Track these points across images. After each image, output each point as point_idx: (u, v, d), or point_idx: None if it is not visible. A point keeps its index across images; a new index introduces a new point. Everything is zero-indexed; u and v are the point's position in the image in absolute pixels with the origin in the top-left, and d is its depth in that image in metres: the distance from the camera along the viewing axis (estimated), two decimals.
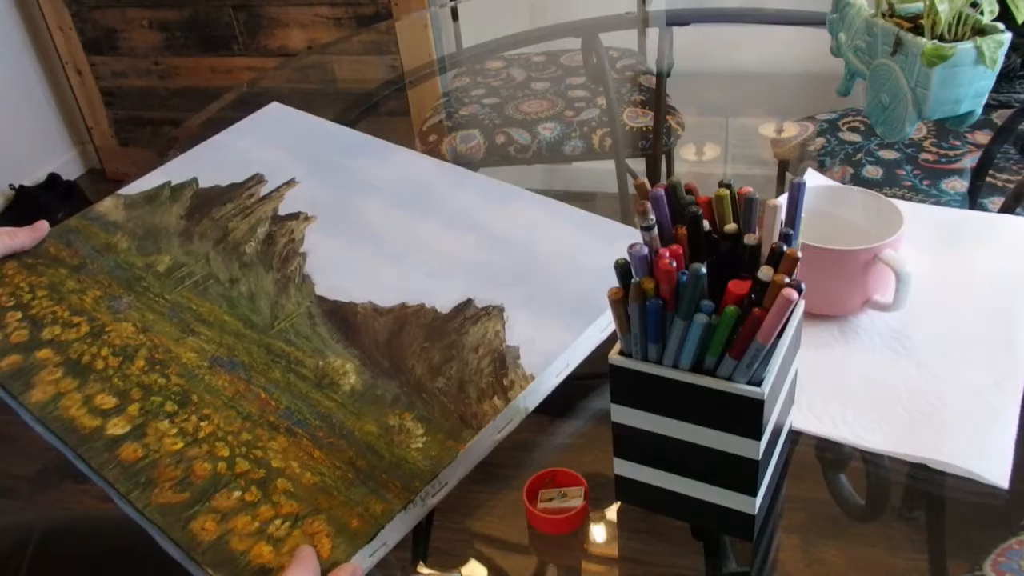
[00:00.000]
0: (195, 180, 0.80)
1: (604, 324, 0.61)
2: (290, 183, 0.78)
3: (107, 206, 0.79)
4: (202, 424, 0.57)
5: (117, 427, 0.57)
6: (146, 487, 0.53)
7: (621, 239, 0.67)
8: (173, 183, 0.80)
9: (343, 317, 0.63)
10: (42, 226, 0.76)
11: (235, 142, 0.85)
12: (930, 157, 0.99)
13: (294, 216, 0.74)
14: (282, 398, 0.58)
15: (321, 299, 0.65)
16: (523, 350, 0.59)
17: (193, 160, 0.83)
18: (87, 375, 0.61)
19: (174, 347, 0.63)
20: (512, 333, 0.60)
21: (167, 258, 0.71)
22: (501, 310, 0.62)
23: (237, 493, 0.52)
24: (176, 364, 0.61)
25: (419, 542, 0.58)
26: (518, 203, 0.72)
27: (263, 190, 0.77)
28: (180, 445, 0.56)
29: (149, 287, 0.68)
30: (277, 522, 0.50)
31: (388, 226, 0.71)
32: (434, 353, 0.59)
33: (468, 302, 0.63)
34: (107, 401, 0.59)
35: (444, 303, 0.63)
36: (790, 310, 0.45)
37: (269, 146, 0.84)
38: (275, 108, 0.90)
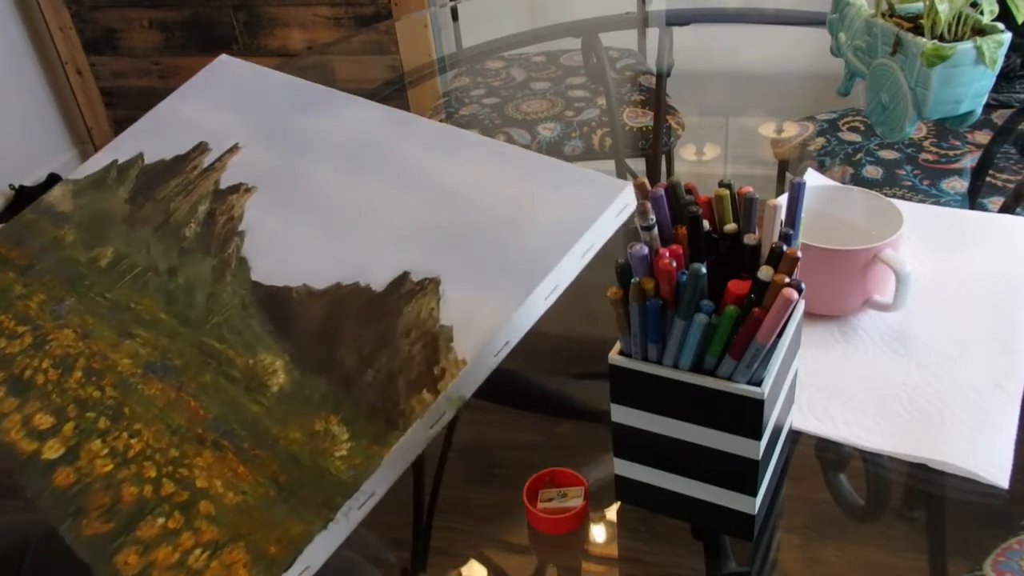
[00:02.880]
0: (140, 156, 0.77)
1: (548, 290, 0.57)
2: (233, 150, 0.74)
3: (56, 195, 0.76)
4: (132, 441, 0.56)
5: (52, 450, 0.57)
6: (76, 517, 0.53)
7: (570, 184, 0.61)
8: (120, 162, 0.77)
9: (277, 305, 0.61)
10: None
11: (181, 106, 0.80)
12: (930, 157, 0.99)
13: (235, 189, 0.71)
14: (211, 406, 0.57)
15: (256, 285, 0.63)
16: (457, 330, 0.55)
17: (140, 133, 0.79)
18: (28, 392, 0.61)
19: (111, 354, 0.62)
20: (447, 310, 0.56)
21: (110, 250, 0.69)
22: (437, 283, 0.58)
23: (161, 520, 0.51)
24: (111, 374, 0.60)
25: (419, 542, 0.58)
26: (468, 151, 0.67)
27: (206, 160, 0.74)
28: (110, 467, 0.55)
29: (92, 285, 0.67)
30: (197, 552, 0.49)
31: (332, 191, 0.68)
32: (365, 341, 0.57)
33: (404, 277, 0.59)
34: (44, 421, 0.59)
35: (380, 279, 0.60)
36: (790, 310, 0.45)
37: (215, 108, 0.79)
38: (224, 62, 0.85)
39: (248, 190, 0.70)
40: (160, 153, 0.77)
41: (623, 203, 0.59)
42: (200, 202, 0.71)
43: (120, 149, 0.79)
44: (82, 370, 0.61)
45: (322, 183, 0.68)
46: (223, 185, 0.72)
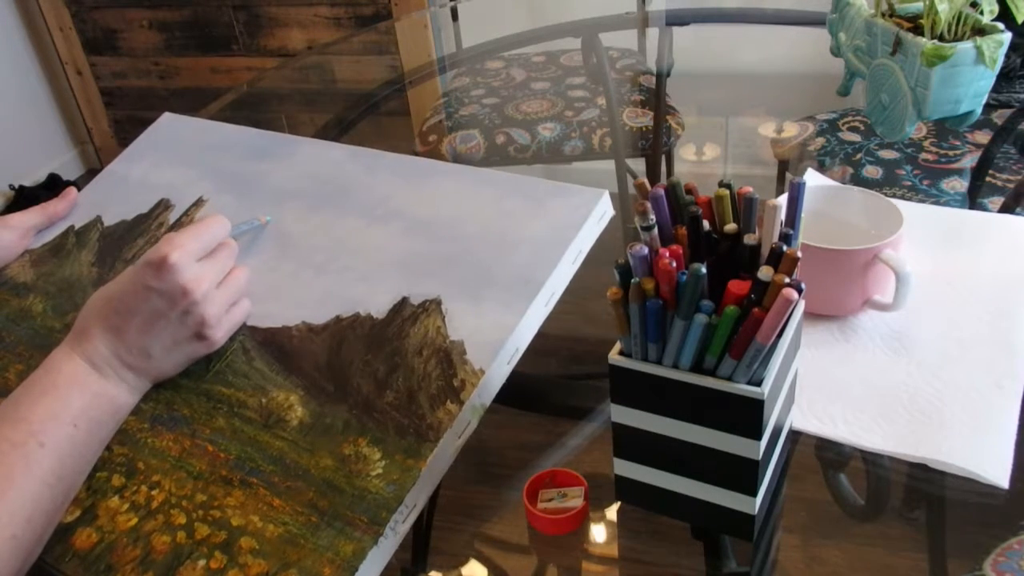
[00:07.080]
0: (99, 219, 0.75)
1: (547, 297, 0.58)
2: (199, 203, 0.73)
3: (14, 268, 0.74)
4: (153, 493, 0.55)
5: (67, 513, 0.55)
6: (107, 575, 0.52)
7: (548, 198, 0.63)
8: (76, 227, 0.75)
9: (279, 345, 0.61)
10: (71, 192, 0.76)
11: (132, 167, 0.80)
12: (930, 157, 0.99)
13: None
14: (231, 447, 0.56)
15: (253, 329, 0.62)
16: (468, 343, 0.56)
17: (92, 197, 0.78)
18: None
19: None
20: (453, 326, 0.57)
21: None
22: (439, 303, 0.59)
23: (202, 562, 0.51)
24: (116, 432, 0.59)
25: (419, 542, 0.58)
26: (435, 178, 0.68)
27: (172, 216, 0.73)
28: (134, 521, 0.54)
29: None
30: None
31: (308, 231, 0.67)
32: (378, 365, 0.57)
33: (403, 301, 0.60)
34: None
35: (379, 307, 0.60)
36: (790, 310, 0.45)
37: (168, 165, 0.78)
38: (167, 120, 0.85)
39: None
40: (119, 215, 0.75)
41: (602, 211, 0.62)
42: None
43: (72, 215, 0.77)
44: None
45: (297, 224, 0.68)
46: None
